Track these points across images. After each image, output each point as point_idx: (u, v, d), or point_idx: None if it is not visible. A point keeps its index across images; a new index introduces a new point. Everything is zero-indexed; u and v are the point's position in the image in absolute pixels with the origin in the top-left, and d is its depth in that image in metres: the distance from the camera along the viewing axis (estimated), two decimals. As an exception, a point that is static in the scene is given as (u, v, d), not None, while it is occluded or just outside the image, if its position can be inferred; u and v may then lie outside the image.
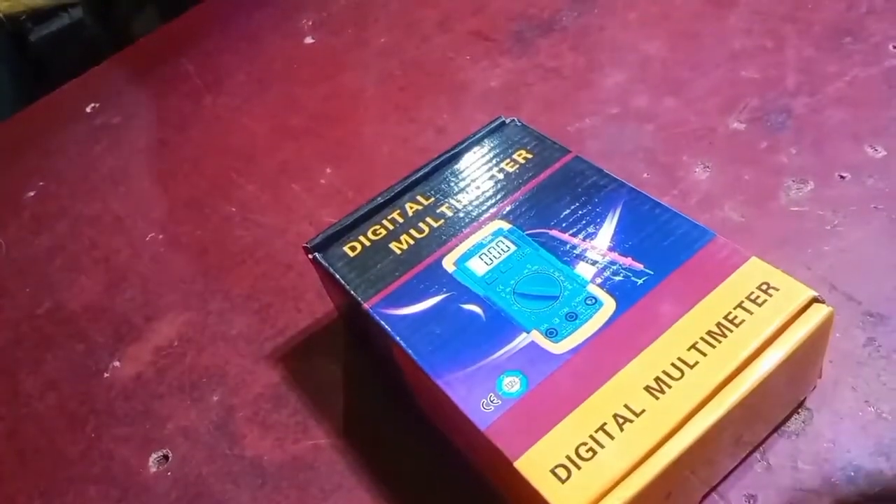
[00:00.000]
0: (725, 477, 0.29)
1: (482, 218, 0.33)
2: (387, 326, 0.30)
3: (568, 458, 0.25)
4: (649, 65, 0.48)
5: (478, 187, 0.35)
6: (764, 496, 0.28)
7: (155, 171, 0.53)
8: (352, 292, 0.31)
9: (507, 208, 0.33)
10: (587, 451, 0.25)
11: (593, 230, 0.31)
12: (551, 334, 0.28)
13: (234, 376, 0.38)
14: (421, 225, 0.34)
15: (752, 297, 0.27)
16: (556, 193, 0.33)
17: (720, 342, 0.26)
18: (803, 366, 0.28)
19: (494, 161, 0.36)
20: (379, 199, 0.35)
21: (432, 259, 0.32)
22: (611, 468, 0.24)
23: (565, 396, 0.26)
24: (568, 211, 0.32)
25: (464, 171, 0.36)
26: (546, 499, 0.24)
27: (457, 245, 0.32)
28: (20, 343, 0.43)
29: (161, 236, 0.47)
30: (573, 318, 0.28)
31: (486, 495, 0.30)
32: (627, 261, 0.30)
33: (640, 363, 0.26)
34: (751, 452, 0.29)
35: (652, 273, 0.29)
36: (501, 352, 0.28)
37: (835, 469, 0.28)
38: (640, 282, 0.29)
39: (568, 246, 0.31)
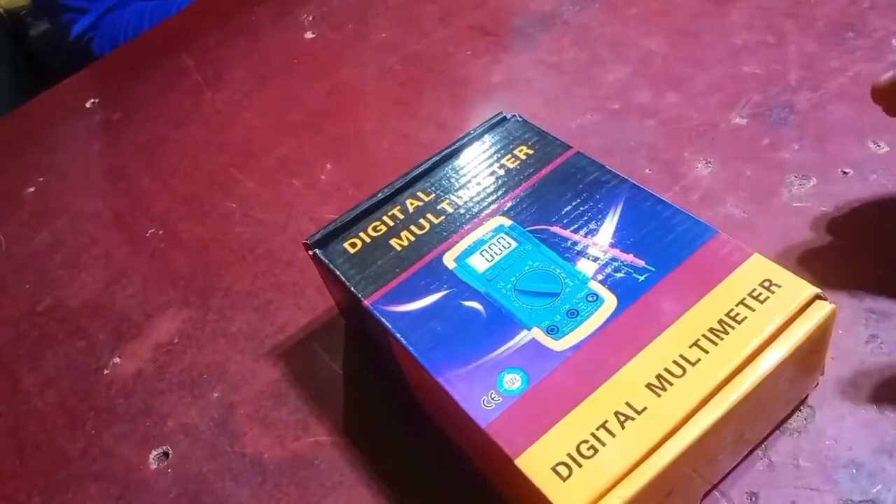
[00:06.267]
0: (727, 475, 0.29)
1: (483, 214, 0.33)
2: (387, 323, 0.30)
3: (569, 455, 0.24)
4: (650, 60, 0.48)
5: (479, 183, 0.34)
6: (765, 494, 0.28)
7: (154, 167, 0.53)
8: (352, 289, 0.31)
9: (508, 204, 0.33)
10: (588, 448, 0.24)
11: (595, 226, 0.31)
12: (552, 331, 0.28)
13: (235, 373, 0.38)
14: (422, 221, 0.33)
15: (755, 293, 0.27)
16: (558, 189, 0.33)
17: (722, 339, 0.26)
18: (805, 363, 0.28)
19: (495, 157, 0.35)
20: (379, 195, 0.35)
21: (433, 255, 0.32)
22: (612, 466, 0.24)
23: (566, 394, 0.26)
24: (569, 207, 0.32)
25: (464, 167, 0.35)
26: (547, 497, 0.24)
27: (458, 241, 0.32)
28: (20, 340, 0.43)
29: (161, 232, 0.47)
30: (574, 315, 0.28)
31: (487, 493, 0.30)
32: (629, 257, 0.29)
33: (641, 360, 0.26)
34: (753, 450, 0.29)
35: (653, 270, 0.29)
36: (502, 349, 0.28)
37: (837, 467, 0.28)
38: (641, 278, 0.29)
39: (569, 242, 0.31)
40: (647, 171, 0.41)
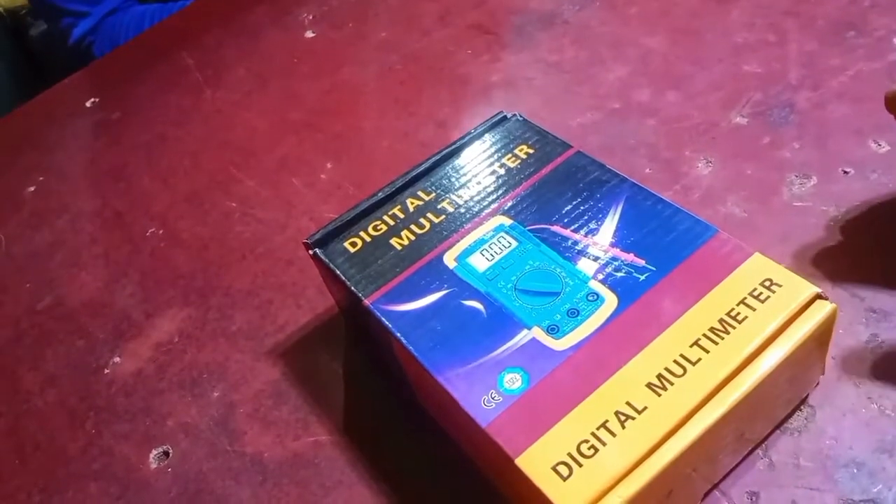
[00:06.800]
0: (727, 474, 0.29)
1: (483, 213, 0.33)
2: (387, 322, 0.30)
3: (569, 455, 0.24)
4: (651, 59, 0.48)
5: (479, 183, 0.34)
6: (766, 493, 0.28)
7: (155, 167, 0.53)
8: (352, 288, 0.31)
9: (509, 204, 0.33)
10: (589, 448, 0.24)
11: (595, 226, 0.31)
12: (553, 331, 0.28)
13: (235, 372, 0.38)
14: (422, 220, 0.33)
15: (755, 293, 0.27)
16: (558, 189, 0.33)
17: (723, 339, 0.26)
18: (806, 362, 0.28)
19: (496, 156, 0.35)
20: (379, 194, 0.35)
21: (433, 255, 0.32)
22: (612, 465, 0.24)
23: (567, 393, 0.26)
24: (570, 206, 0.32)
25: (465, 166, 0.35)
26: (548, 496, 0.24)
27: (458, 241, 0.32)
28: (20, 339, 0.43)
29: (161, 231, 0.47)
30: (575, 315, 0.28)
31: (487, 492, 0.30)
32: (629, 257, 0.29)
33: (642, 360, 0.26)
34: (753, 449, 0.29)
35: (654, 269, 0.29)
36: (503, 348, 0.28)
37: (837, 466, 0.28)
38: (642, 278, 0.29)
39: (570, 242, 0.31)
40: (647, 170, 0.41)
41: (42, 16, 1.02)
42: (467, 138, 0.37)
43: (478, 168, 0.35)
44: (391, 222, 0.34)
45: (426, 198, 0.34)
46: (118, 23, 0.87)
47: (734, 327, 0.26)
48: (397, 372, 0.32)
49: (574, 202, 0.32)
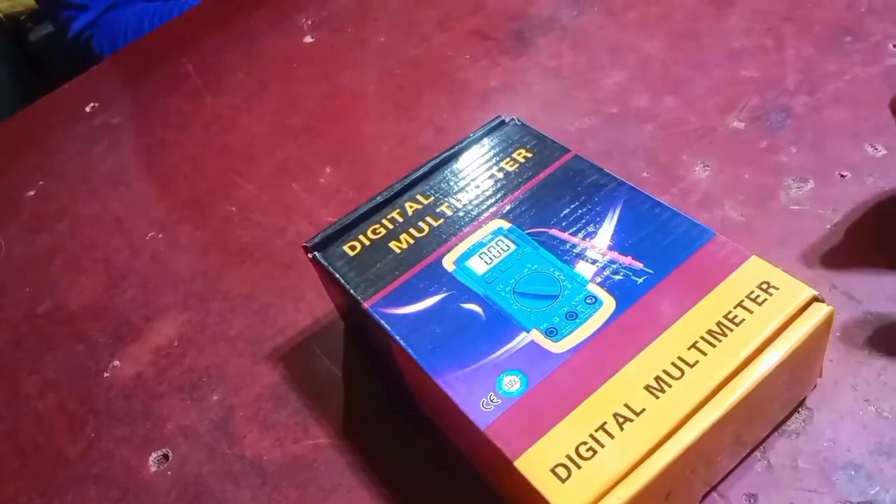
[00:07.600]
0: (726, 476, 0.29)
1: (482, 217, 0.33)
2: (386, 326, 0.30)
3: (568, 457, 0.25)
4: (649, 64, 0.48)
5: (477, 186, 0.35)
6: (764, 496, 0.28)
7: (154, 171, 0.53)
8: (351, 291, 0.31)
9: (507, 207, 0.33)
10: (587, 450, 0.25)
11: (593, 229, 0.31)
12: (551, 333, 0.28)
13: (234, 376, 0.38)
14: (421, 224, 0.34)
15: (753, 296, 0.27)
16: (556, 192, 0.33)
17: (720, 341, 0.26)
18: (803, 365, 0.28)
19: (494, 160, 0.36)
20: (378, 198, 0.35)
21: (432, 258, 0.32)
22: (611, 467, 0.24)
23: (565, 396, 0.26)
24: (568, 210, 0.32)
25: (463, 170, 0.36)
26: (546, 498, 0.24)
27: (457, 244, 0.32)
28: (20, 343, 0.43)
29: (161, 236, 0.47)
30: (573, 318, 0.28)
31: (487, 495, 0.30)
32: (627, 260, 0.30)
33: (640, 362, 0.26)
34: (751, 452, 0.29)
35: (652, 272, 0.29)
36: (501, 351, 0.28)
37: (835, 468, 0.28)
38: (640, 281, 0.29)
39: (568, 245, 0.31)
40: (645, 174, 0.41)
41: (44, 9, 1.02)
42: (466, 142, 0.37)
43: (476, 172, 0.35)
44: (390, 226, 0.34)
45: (425, 202, 0.35)
46: (118, 18, 0.87)
47: (732, 330, 0.26)
48: (396, 375, 0.32)
49: (572, 206, 0.32)
